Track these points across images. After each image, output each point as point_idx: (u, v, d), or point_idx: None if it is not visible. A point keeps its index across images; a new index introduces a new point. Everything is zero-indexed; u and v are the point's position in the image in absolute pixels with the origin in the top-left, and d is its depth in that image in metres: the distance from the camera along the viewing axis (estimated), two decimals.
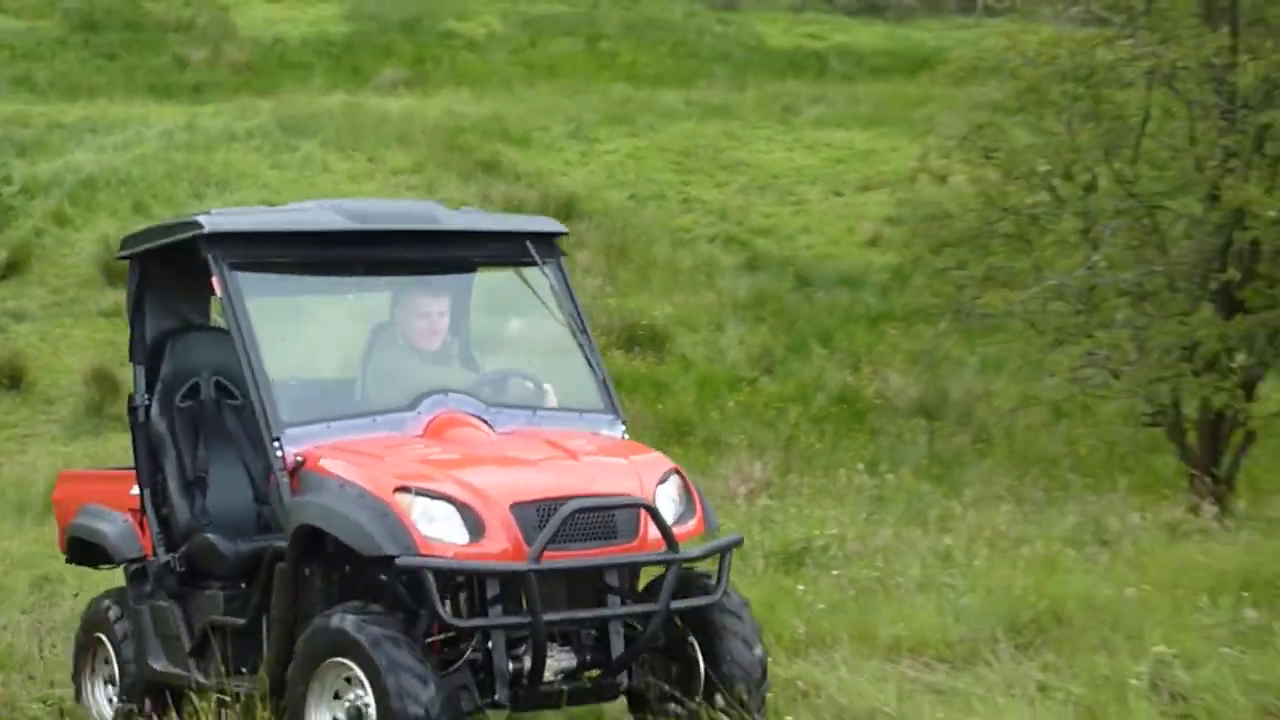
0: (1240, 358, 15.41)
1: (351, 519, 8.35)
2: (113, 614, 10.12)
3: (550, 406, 9.64)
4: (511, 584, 8.42)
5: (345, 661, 8.19)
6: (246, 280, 9.18)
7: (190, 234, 9.29)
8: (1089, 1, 17.28)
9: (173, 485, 9.81)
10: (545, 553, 8.25)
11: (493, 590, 8.40)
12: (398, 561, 8.19)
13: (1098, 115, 16.34)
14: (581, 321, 9.84)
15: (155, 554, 9.79)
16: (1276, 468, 16.48)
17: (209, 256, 9.13)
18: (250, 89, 32.82)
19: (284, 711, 8.74)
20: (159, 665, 9.75)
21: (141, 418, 9.95)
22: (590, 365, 9.80)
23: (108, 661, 10.20)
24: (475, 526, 8.31)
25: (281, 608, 8.80)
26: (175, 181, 26.63)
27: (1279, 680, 9.52)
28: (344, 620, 8.22)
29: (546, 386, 9.75)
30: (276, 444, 8.80)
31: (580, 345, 9.80)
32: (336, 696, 8.31)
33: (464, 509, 8.32)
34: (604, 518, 8.54)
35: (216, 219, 9.40)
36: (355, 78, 34.01)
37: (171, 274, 10.09)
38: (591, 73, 34.91)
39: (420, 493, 8.33)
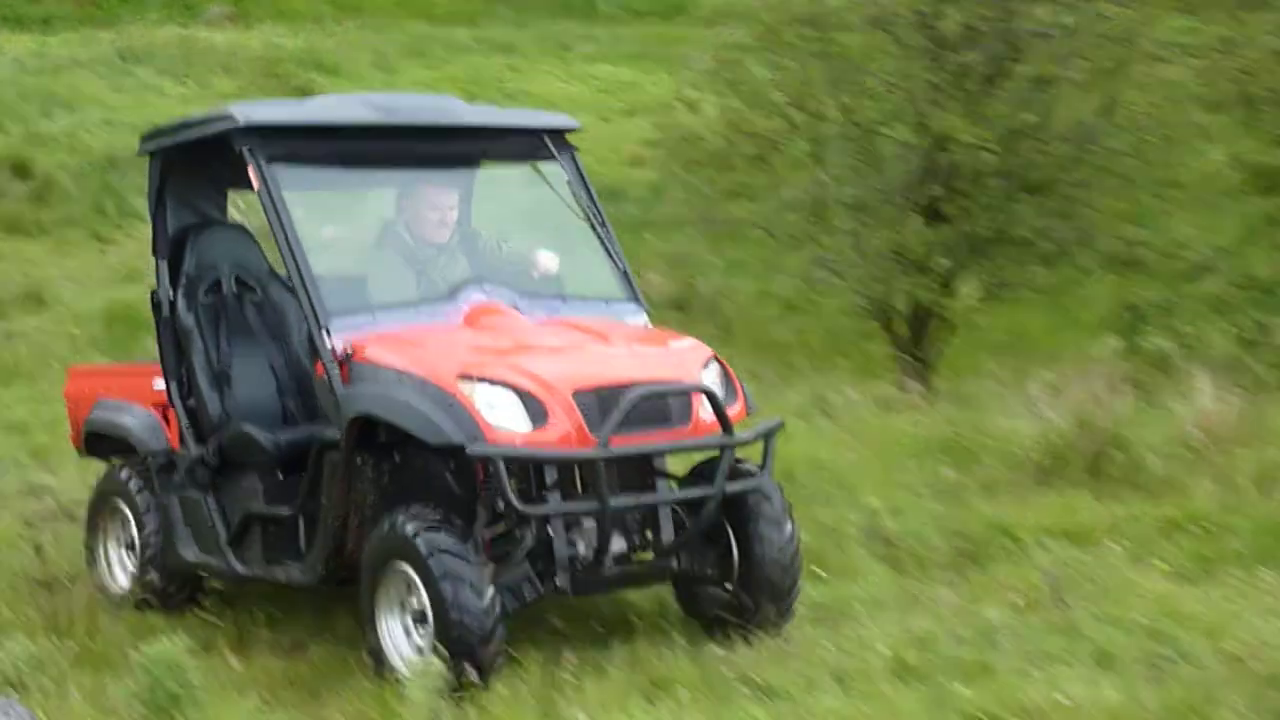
0: (942, 261, 15.70)
1: (415, 408, 7.45)
2: (133, 484, 9.17)
3: (552, 274, 8.72)
4: (568, 470, 7.74)
5: (406, 567, 7.42)
6: (283, 173, 8.17)
7: (225, 128, 8.28)
8: None
9: (201, 378, 8.86)
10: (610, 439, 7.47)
11: (551, 477, 7.63)
12: (469, 450, 7.34)
13: (826, 54, 16.45)
14: (600, 214, 8.93)
15: (183, 446, 8.90)
16: (969, 352, 16.80)
17: (244, 150, 8.16)
18: (93, 21, 31.96)
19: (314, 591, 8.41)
20: (190, 555, 8.85)
21: (166, 311, 8.95)
22: (611, 256, 8.89)
23: (125, 528, 9.30)
24: (538, 413, 7.46)
25: (334, 498, 7.93)
26: (27, 101, 25.88)
27: (968, 527, 9.80)
28: (404, 526, 7.41)
29: (550, 256, 8.78)
30: (325, 333, 7.84)
31: (600, 237, 8.90)
32: (403, 600, 7.56)
33: (526, 396, 7.46)
34: (660, 403, 7.76)
35: (250, 111, 8.40)
36: (186, 13, 33.15)
37: (191, 170, 9.15)
38: (392, 11, 34.46)
39: (483, 380, 7.46)
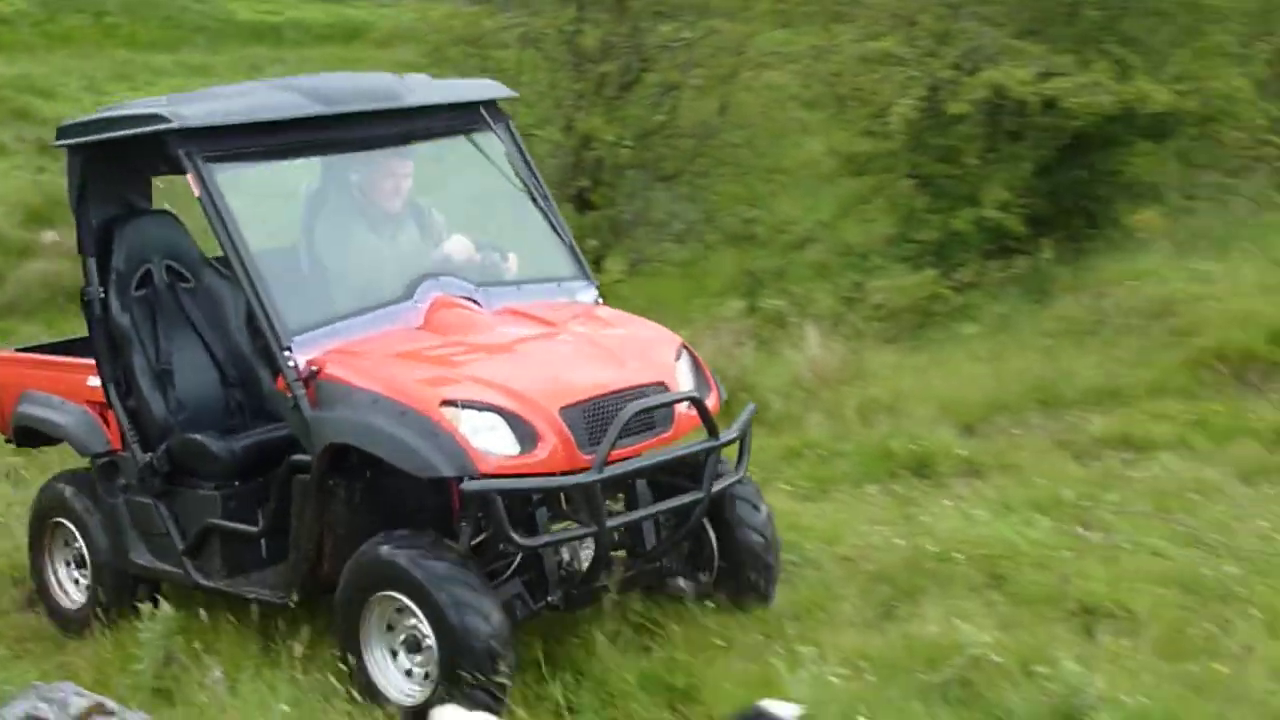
0: (592, 243, 15.80)
1: (399, 439, 6.14)
2: (72, 497, 7.74)
3: (513, 271, 7.32)
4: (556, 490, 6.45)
5: (398, 596, 6.21)
6: (224, 174, 6.67)
7: (157, 129, 6.71)
8: None
9: (142, 380, 7.37)
10: (587, 454, 6.24)
11: (538, 495, 6.41)
12: (464, 487, 6.09)
13: (485, 69, 16.38)
14: (540, 186, 7.48)
15: (128, 449, 7.41)
16: None
17: (180, 153, 6.62)
18: None
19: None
20: (143, 560, 7.47)
21: (99, 311, 7.37)
22: (555, 230, 7.45)
23: (69, 543, 7.88)
24: (526, 436, 6.18)
25: (308, 520, 6.61)
26: None
27: None
28: (395, 554, 6.19)
29: (510, 255, 7.37)
30: (287, 354, 6.43)
31: (543, 211, 7.45)
32: (390, 627, 6.36)
33: (513, 419, 6.18)
34: (645, 411, 6.45)
35: (181, 110, 6.74)
36: None
37: (112, 160, 7.47)
38: (99, 41, 33.25)
39: (467, 405, 6.16)
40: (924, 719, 5.92)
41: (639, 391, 6.51)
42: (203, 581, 7.23)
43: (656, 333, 7.16)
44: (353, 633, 6.38)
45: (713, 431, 6.60)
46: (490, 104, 7.53)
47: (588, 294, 7.43)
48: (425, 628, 6.15)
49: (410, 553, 6.19)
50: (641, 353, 6.82)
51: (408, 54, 17.24)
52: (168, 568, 7.39)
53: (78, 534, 7.75)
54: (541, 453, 6.21)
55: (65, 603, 7.93)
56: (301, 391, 6.42)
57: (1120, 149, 15.75)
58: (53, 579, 7.97)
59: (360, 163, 7.27)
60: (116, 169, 7.59)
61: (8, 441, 8.39)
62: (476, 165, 7.55)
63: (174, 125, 6.65)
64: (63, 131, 7.39)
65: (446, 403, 6.17)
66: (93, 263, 7.43)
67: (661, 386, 6.64)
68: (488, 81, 7.82)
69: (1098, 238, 15.41)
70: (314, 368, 6.41)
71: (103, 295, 7.40)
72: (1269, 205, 15.84)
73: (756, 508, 7.09)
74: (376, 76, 7.47)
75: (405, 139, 7.39)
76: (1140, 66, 14.92)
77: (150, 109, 6.88)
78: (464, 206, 7.79)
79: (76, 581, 7.92)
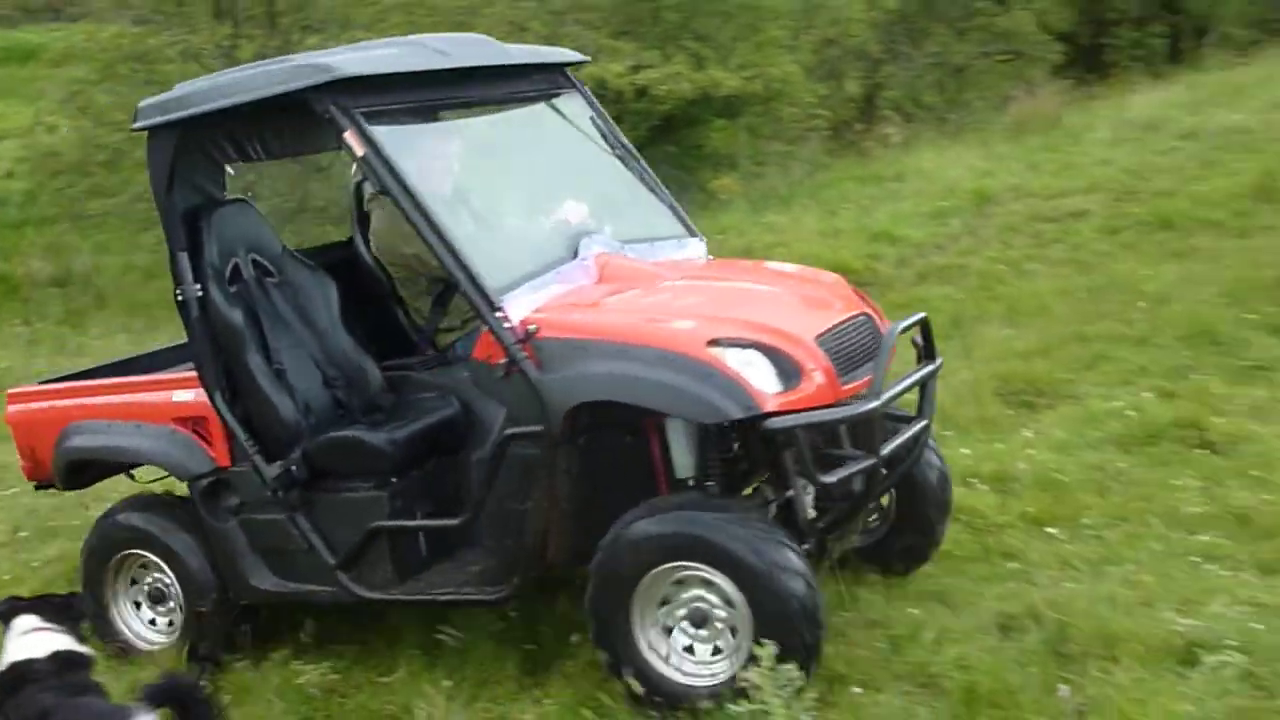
0: None
1: (673, 385, 4.79)
2: (151, 525, 5.95)
3: (587, 223, 5.86)
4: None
5: (689, 565, 4.82)
6: (380, 133, 5.16)
7: (310, 81, 5.13)
8: (141, 7, 16.76)
9: (263, 382, 5.63)
10: (845, 386, 5.04)
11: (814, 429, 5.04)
12: (770, 424, 4.80)
13: (153, 81, 15.80)
14: (627, 147, 6.15)
15: (245, 463, 5.71)
16: None
17: (332, 108, 5.13)
18: None
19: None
20: (268, 585, 5.76)
21: (196, 311, 5.62)
22: (653, 190, 6.13)
23: (142, 577, 6.07)
24: (788, 370, 4.91)
25: (540, 499, 5.15)
26: None
27: None
28: (693, 524, 4.81)
29: (577, 207, 5.91)
30: (499, 314, 5.04)
31: (637, 172, 6.14)
32: (668, 607, 4.93)
33: (774, 354, 4.91)
34: (871, 343, 5.30)
35: (329, 61, 5.19)
36: None
37: (199, 142, 5.83)
38: None
39: (731, 344, 4.88)
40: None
41: (857, 322, 5.40)
42: (368, 594, 5.57)
43: (821, 272, 6.01)
44: (621, 622, 4.94)
45: (932, 355, 5.51)
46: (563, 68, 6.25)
47: (699, 249, 6.12)
48: (734, 598, 4.79)
49: (723, 520, 4.84)
50: (833, 289, 5.69)
51: (79, 72, 16.56)
52: (310, 587, 5.73)
53: (164, 565, 5.99)
54: (807, 386, 4.95)
55: (140, 644, 6.08)
56: (523, 354, 5.04)
57: (701, 126, 16.24)
58: (120, 620, 6.15)
59: (409, 142, 5.57)
60: (196, 153, 5.90)
61: (40, 487, 6.46)
62: (564, 128, 6.12)
63: (328, 78, 5.11)
64: (154, 109, 5.64)
65: (712, 342, 4.90)
66: (184, 258, 5.67)
67: (866, 316, 5.52)
68: (560, 49, 6.35)
69: (688, 201, 15.84)
70: (531, 326, 5.08)
71: (201, 293, 5.66)
72: (821, 166, 16.56)
73: (931, 449, 5.86)
74: (475, 36, 6.10)
75: (508, 101, 6.00)
76: (712, 58, 15.41)
77: (298, 64, 5.31)
78: (562, 170, 6.32)
79: (153, 621, 6.14)
